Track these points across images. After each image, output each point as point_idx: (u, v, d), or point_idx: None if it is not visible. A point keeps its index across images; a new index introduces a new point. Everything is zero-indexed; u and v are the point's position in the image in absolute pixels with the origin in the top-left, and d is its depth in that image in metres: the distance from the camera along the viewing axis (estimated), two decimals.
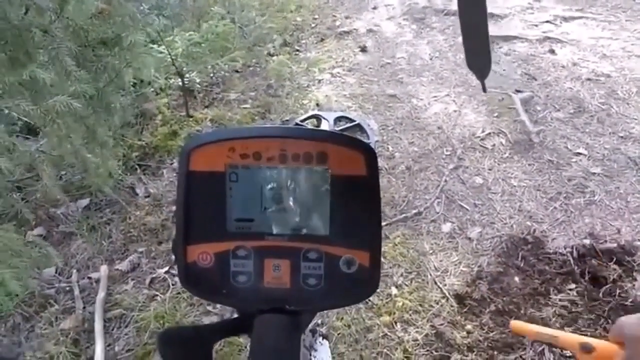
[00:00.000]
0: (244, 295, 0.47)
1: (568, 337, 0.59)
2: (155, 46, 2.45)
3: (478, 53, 0.48)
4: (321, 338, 0.71)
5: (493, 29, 3.49)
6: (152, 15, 2.61)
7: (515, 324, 0.68)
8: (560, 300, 1.64)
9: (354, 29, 3.69)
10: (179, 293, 1.81)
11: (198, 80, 2.91)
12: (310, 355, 0.71)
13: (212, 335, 0.47)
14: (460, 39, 0.52)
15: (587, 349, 0.55)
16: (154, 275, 1.89)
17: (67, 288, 1.85)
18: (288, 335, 0.45)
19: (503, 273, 1.76)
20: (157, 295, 1.81)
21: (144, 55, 1.50)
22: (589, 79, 2.84)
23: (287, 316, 0.46)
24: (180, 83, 2.67)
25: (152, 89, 2.63)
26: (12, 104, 1.20)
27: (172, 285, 1.84)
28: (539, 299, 1.65)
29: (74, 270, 1.90)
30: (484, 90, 0.53)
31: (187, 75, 2.74)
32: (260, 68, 3.21)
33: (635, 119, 2.51)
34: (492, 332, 1.57)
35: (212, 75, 3.06)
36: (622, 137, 2.40)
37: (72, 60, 1.23)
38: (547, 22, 3.51)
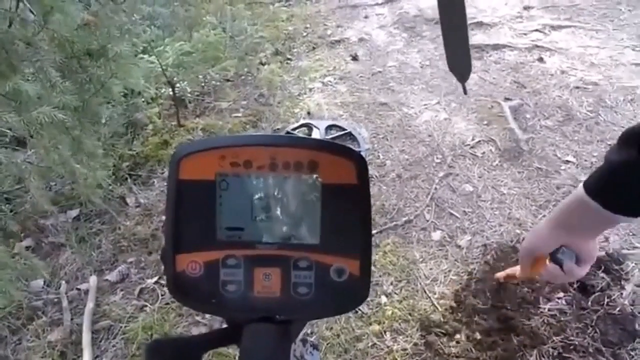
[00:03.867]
0: (234, 304, 0.46)
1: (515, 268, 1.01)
2: (145, 56, 2.46)
3: (459, 55, 0.48)
4: (312, 348, 0.70)
5: (483, 38, 3.52)
6: (144, 25, 2.61)
7: (498, 275, 1.28)
8: (549, 309, 1.63)
9: (346, 38, 3.71)
10: (167, 303, 1.80)
11: (189, 90, 2.91)
12: None
13: (200, 346, 0.47)
14: None
15: None
16: (143, 286, 1.88)
17: (56, 299, 1.84)
18: (278, 345, 0.45)
19: (492, 281, 1.76)
20: (146, 305, 1.80)
21: (130, 66, 1.51)
22: (577, 87, 2.86)
23: (277, 326, 0.45)
24: (171, 92, 2.67)
25: (142, 99, 2.63)
26: None
27: (161, 295, 1.83)
28: (528, 308, 1.65)
29: (63, 282, 1.89)
30: (465, 92, 0.53)
31: (178, 85, 2.74)
32: (252, 77, 3.22)
33: (623, 127, 2.53)
34: (480, 341, 1.57)
35: (203, 84, 3.06)
36: (610, 145, 2.41)
37: (57, 72, 1.24)
38: (536, 30, 3.55)
